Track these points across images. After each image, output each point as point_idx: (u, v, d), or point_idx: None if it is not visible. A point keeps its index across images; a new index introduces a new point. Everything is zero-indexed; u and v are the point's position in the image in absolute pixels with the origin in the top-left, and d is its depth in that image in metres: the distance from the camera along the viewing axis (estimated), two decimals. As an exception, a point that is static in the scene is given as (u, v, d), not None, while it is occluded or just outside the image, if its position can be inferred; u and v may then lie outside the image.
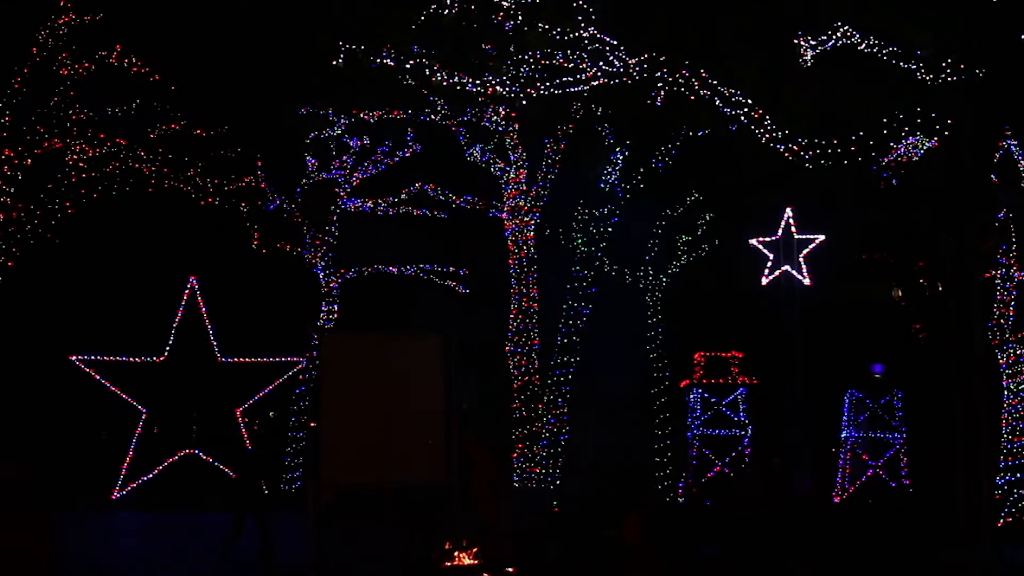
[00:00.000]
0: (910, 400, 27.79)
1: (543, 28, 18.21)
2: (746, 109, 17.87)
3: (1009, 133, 20.77)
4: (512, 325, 23.48)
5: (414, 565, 12.73)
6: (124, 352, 27.09)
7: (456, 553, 12.37)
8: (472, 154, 24.00)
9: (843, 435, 28.04)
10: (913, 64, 16.65)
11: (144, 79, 21.73)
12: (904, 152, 17.78)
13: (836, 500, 27.42)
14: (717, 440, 28.70)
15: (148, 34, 22.07)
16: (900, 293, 20.46)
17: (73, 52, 21.07)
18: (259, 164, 26.26)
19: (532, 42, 18.77)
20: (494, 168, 24.01)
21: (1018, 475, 20.72)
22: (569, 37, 18.23)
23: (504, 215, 23.97)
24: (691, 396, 28.80)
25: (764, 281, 29.16)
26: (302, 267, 28.36)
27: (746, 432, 28.55)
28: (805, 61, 17.21)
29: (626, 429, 29.79)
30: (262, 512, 15.12)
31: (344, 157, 27.68)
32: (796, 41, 16.96)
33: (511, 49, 19.37)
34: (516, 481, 22.75)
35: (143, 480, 26.62)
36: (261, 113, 24.03)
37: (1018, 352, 21.45)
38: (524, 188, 23.63)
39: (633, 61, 17.90)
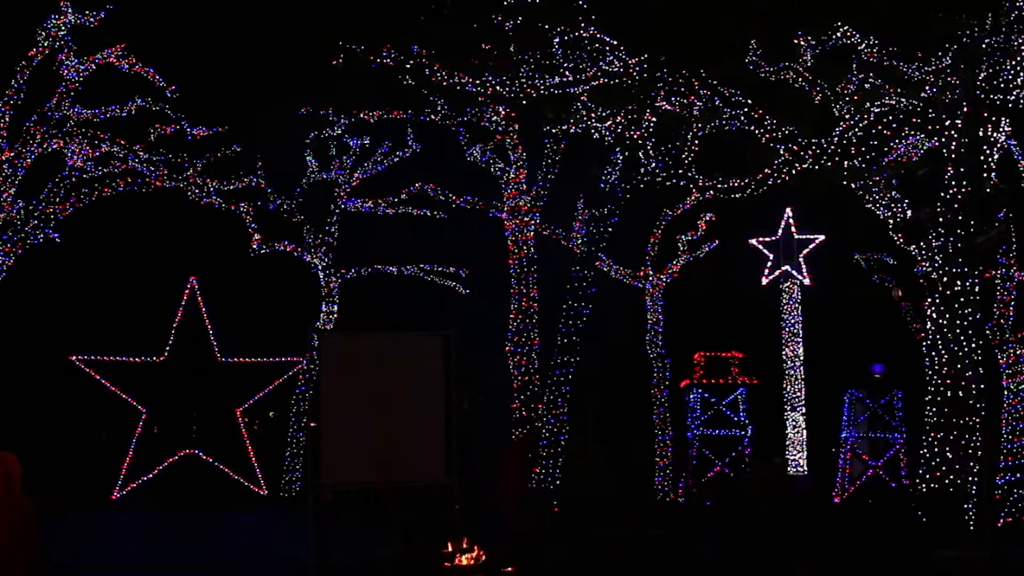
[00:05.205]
0: (910, 400, 27.73)
1: (543, 28, 18.19)
2: (746, 109, 17.86)
3: (1009, 132, 20.75)
4: (512, 325, 23.46)
5: (414, 565, 12.73)
6: (124, 352, 27.08)
7: (456, 553, 12.37)
8: (472, 154, 24.00)
9: (843, 435, 27.97)
10: (914, 64, 16.64)
11: (144, 79, 21.73)
12: (904, 152, 17.76)
13: (836, 500, 27.39)
14: (717, 440, 28.66)
15: (148, 34, 22.07)
16: (900, 293, 20.41)
17: (73, 52, 21.06)
18: (259, 164, 26.28)
19: (532, 42, 18.74)
20: (494, 168, 24.01)
21: (1018, 475, 20.72)
22: (569, 37, 18.21)
23: (504, 215, 23.96)
24: (691, 396, 28.75)
25: (764, 281, 29.18)
26: (302, 267, 28.37)
27: (746, 432, 28.52)
28: (805, 61, 17.20)
29: (626, 429, 29.77)
30: None
31: (344, 157, 27.71)
32: (796, 41, 16.94)
33: (511, 49, 19.33)
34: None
35: (143, 480, 26.62)
36: (261, 113, 24.03)
37: (1018, 352, 21.45)
38: (524, 188, 23.63)
39: (633, 61, 17.89)
